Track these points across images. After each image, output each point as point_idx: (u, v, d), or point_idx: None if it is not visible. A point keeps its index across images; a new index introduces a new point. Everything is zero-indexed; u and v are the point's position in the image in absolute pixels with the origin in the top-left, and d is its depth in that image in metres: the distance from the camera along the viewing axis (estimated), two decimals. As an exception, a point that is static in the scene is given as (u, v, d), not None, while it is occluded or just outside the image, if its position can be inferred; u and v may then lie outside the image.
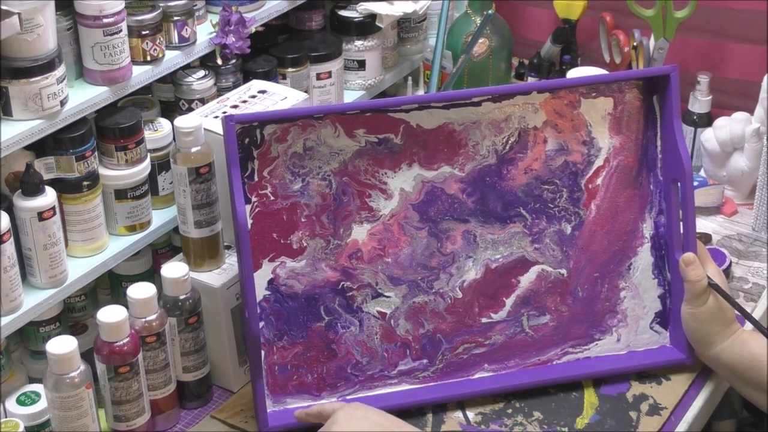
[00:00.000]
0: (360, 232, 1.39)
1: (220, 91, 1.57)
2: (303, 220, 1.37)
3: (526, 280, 1.44)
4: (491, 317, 1.44)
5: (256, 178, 1.35)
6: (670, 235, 1.46)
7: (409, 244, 1.40)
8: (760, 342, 1.40)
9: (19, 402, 1.36)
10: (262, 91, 1.54)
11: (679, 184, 1.44)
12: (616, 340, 1.48)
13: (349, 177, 1.37)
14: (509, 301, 1.44)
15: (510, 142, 1.41)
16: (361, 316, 1.40)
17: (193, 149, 1.42)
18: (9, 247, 1.30)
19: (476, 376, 1.44)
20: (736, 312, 1.43)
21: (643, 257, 1.48)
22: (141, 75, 1.43)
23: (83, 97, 1.36)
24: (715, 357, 1.43)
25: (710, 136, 1.85)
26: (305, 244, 1.38)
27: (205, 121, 1.45)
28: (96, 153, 1.40)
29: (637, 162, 1.46)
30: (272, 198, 1.36)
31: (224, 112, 1.48)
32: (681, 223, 1.45)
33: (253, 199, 1.36)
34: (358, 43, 1.77)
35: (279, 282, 1.38)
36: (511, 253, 1.43)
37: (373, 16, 1.77)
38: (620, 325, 1.48)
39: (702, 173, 1.89)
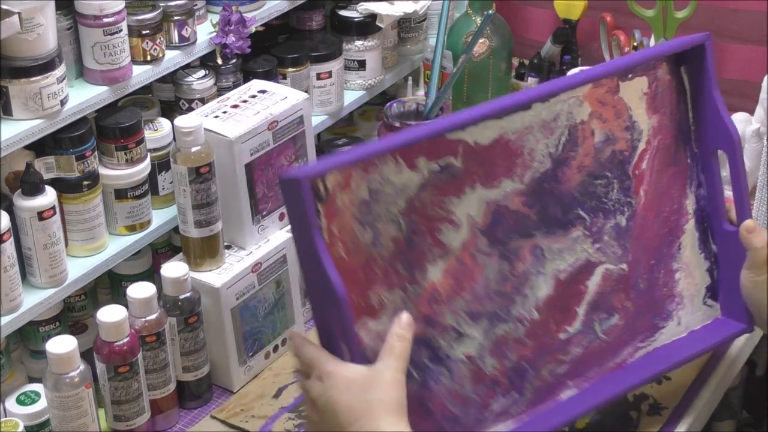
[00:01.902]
0: (435, 273, 1.24)
1: (221, 91, 1.57)
2: (378, 273, 1.21)
3: (593, 283, 1.37)
4: (567, 331, 1.35)
5: (326, 238, 1.16)
6: (715, 205, 1.42)
7: (482, 273, 1.28)
8: None
9: (19, 401, 1.36)
10: (262, 91, 1.54)
11: (726, 154, 1.39)
12: (677, 324, 1.43)
13: (417, 214, 1.22)
14: (581, 310, 1.36)
15: (562, 141, 1.32)
16: (449, 364, 1.26)
17: (193, 149, 1.42)
18: (9, 246, 1.30)
19: (563, 395, 1.36)
20: None
21: (690, 234, 1.43)
22: (141, 75, 1.43)
23: (83, 97, 1.37)
24: None
25: (710, 137, 1.85)
26: (384, 300, 1.21)
27: (205, 120, 1.45)
28: (96, 153, 1.40)
29: (673, 138, 1.41)
30: (346, 258, 1.18)
31: (224, 112, 1.48)
32: (725, 192, 1.40)
33: None
34: (359, 43, 1.77)
35: (365, 349, 1.20)
36: (576, 258, 1.35)
37: (373, 16, 1.77)
38: (678, 307, 1.43)
39: (702, 173, 1.89)
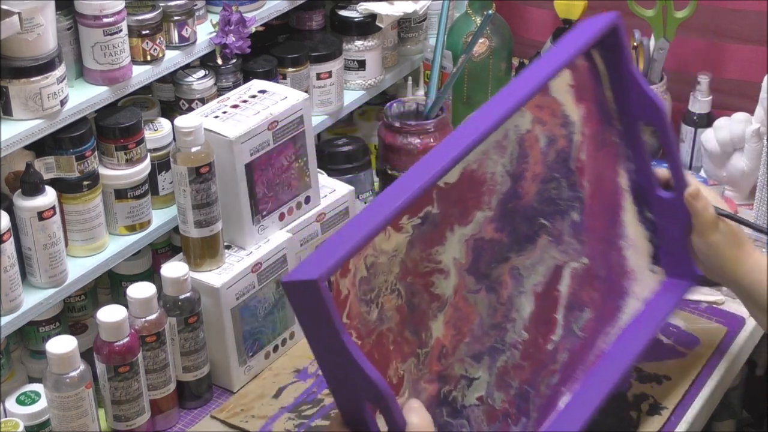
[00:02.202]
0: (438, 328, 1.22)
1: (220, 91, 1.57)
2: (391, 347, 1.17)
3: (564, 286, 1.37)
4: (553, 340, 1.35)
5: None
6: (645, 176, 1.44)
7: (475, 312, 1.26)
8: None
9: (19, 402, 1.36)
10: (262, 91, 1.54)
11: (654, 126, 1.42)
12: (634, 299, 1.45)
13: (412, 275, 1.20)
14: (560, 316, 1.36)
15: (514, 156, 1.32)
16: (467, 413, 1.25)
17: (193, 149, 1.42)
18: (9, 246, 1.30)
19: (561, 403, 1.35)
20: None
21: (629, 209, 1.45)
22: (141, 75, 1.43)
23: (83, 97, 1.37)
24: (736, 282, 1.42)
25: (710, 137, 1.85)
26: (401, 373, 1.18)
27: (205, 120, 1.45)
28: (96, 153, 1.40)
29: (599, 122, 1.42)
30: (359, 342, 1.14)
31: (224, 112, 1.48)
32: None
33: None
34: (359, 43, 1.77)
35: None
36: (547, 267, 1.35)
37: (373, 16, 1.77)
38: (632, 283, 1.45)
39: (702, 173, 1.89)
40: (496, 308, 1.29)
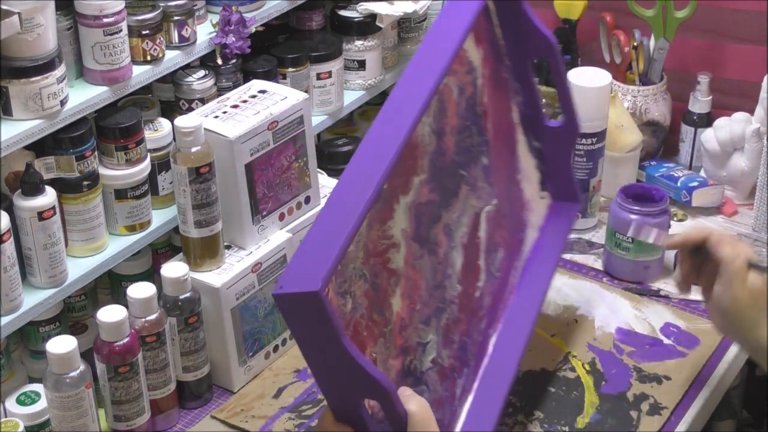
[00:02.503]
0: (396, 302, 1.22)
1: (220, 91, 1.57)
2: (365, 334, 1.17)
3: (482, 231, 1.38)
4: (479, 287, 1.37)
5: None
6: (533, 107, 1.48)
7: (423, 278, 1.27)
8: None
9: (19, 402, 1.36)
10: (262, 91, 1.54)
11: (547, 60, 1.46)
12: (532, 228, 1.48)
13: (372, 256, 1.19)
14: (482, 262, 1.38)
15: (436, 113, 1.31)
16: (425, 379, 1.26)
17: (193, 149, 1.42)
18: (9, 246, 1.30)
19: (490, 346, 1.36)
20: None
21: (521, 141, 1.48)
22: (141, 75, 1.43)
23: (83, 97, 1.36)
24: (754, 342, 1.29)
25: (710, 137, 1.85)
26: (374, 356, 1.18)
27: (205, 120, 1.45)
28: (96, 153, 1.40)
29: (494, 61, 1.43)
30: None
31: (224, 112, 1.48)
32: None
33: None
34: (359, 43, 1.77)
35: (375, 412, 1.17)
36: (468, 217, 1.35)
37: (373, 16, 1.77)
38: (529, 213, 1.48)
39: (702, 173, 1.89)
40: (436, 269, 1.29)
